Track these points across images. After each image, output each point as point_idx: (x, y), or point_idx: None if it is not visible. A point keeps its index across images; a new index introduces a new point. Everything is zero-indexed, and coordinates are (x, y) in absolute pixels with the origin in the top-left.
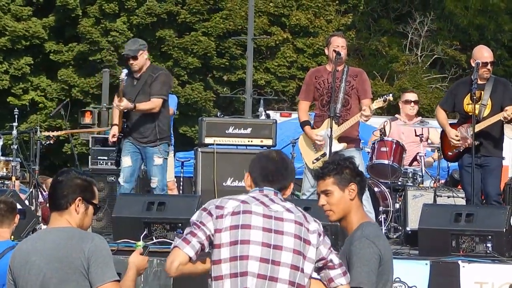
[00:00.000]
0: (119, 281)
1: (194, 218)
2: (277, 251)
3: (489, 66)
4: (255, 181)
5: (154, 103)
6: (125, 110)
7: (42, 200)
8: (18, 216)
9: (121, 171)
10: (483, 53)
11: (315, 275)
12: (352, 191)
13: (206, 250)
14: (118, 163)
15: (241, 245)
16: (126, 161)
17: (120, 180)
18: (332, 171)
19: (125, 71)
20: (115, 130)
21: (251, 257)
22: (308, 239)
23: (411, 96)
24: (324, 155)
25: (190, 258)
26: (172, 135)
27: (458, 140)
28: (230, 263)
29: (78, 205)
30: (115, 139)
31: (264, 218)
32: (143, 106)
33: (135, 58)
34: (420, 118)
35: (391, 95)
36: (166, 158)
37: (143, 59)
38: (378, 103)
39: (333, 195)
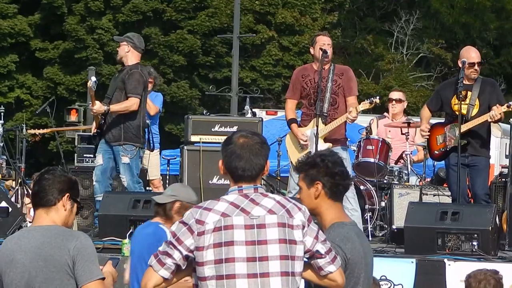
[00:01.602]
0: (104, 279)
1: (173, 229)
2: (264, 262)
3: (476, 67)
4: (230, 176)
5: (130, 102)
6: (98, 114)
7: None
8: None
9: (94, 170)
10: (470, 54)
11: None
12: (316, 189)
13: (184, 268)
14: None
15: (226, 263)
16: (98, 159)
17: (93, 179)
18: (303, 168)
19: (93, 78)
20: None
21: (238, 275)
22: (293, 238)
23: (394, 94)
24: (309, 153)
25: (166, 279)
26: (158, 134)
27: (427, 133)
28: (216, 282)
29: (66, 202)
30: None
31: (246, 229)
32: (116, 107)
33: (118, 46)
34: (406, 117)
35: (378, 97)
36: (133, 158)
37: (122, 51)
38: (365, 104)
39: (302, 191)
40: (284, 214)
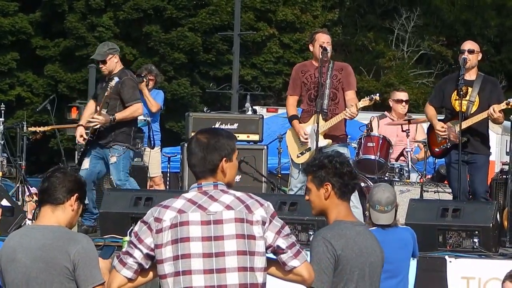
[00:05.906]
0: (104, 283)
1: (135, 229)
2: (220, 258)
3: (466, 54)
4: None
5: (134, 107)
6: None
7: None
8: (0, 211)
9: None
10: (464, 43)
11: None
12: (327, 190)
13: (147, 267)
14: (80, 162)
15: (182, 259)
16: (84, 163)
17: None
18: (311, 169)
19: (116, 79)
20: (81, 130)
21: (194, 271)
22: (252, 233)
23: (403, 95)
24: (309, 149)
25: (130, 279)
26: (159, 131)
27: (444, 132)
28: (174, 278)
29: (73, 202)
30: (81, 140)
31: (202, 225)
32: (122, 115)
33: (104, 62)
34: (407, 114)
35: (377, 94)
36: (120, 157)
37: (112, 63)
38: (365, 101)
39: (311, 192)
40: (242, 210)
